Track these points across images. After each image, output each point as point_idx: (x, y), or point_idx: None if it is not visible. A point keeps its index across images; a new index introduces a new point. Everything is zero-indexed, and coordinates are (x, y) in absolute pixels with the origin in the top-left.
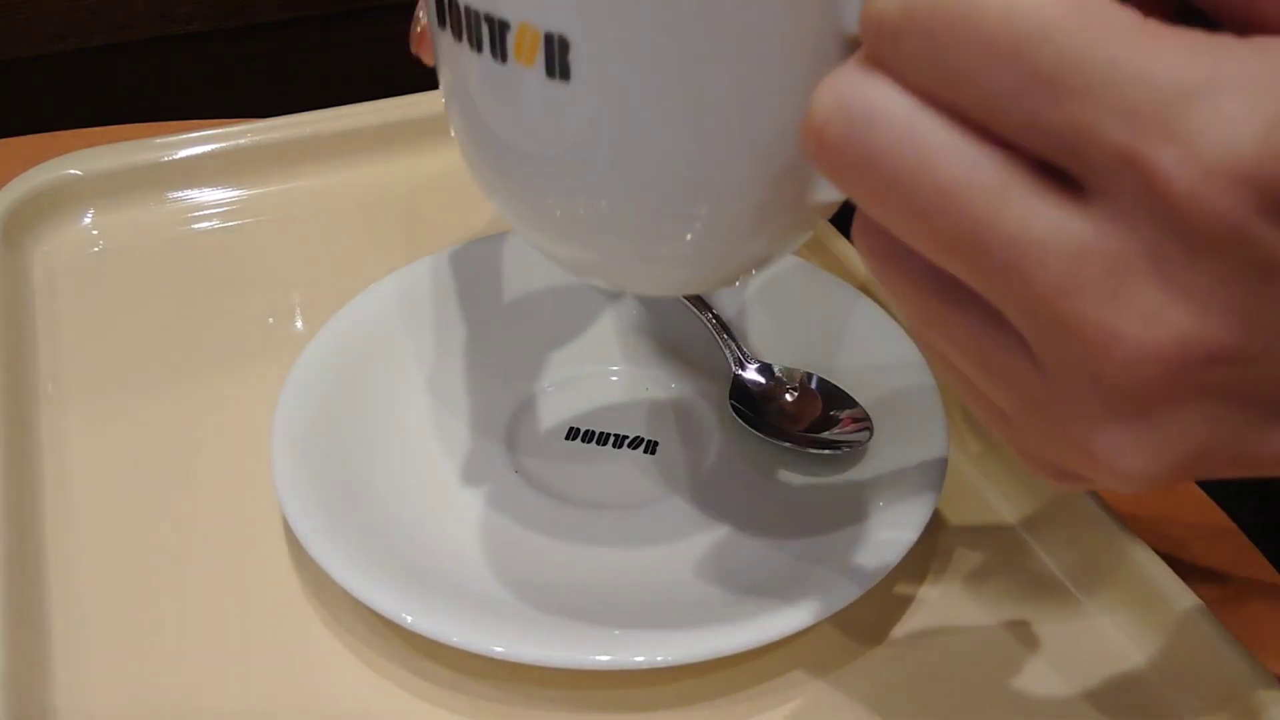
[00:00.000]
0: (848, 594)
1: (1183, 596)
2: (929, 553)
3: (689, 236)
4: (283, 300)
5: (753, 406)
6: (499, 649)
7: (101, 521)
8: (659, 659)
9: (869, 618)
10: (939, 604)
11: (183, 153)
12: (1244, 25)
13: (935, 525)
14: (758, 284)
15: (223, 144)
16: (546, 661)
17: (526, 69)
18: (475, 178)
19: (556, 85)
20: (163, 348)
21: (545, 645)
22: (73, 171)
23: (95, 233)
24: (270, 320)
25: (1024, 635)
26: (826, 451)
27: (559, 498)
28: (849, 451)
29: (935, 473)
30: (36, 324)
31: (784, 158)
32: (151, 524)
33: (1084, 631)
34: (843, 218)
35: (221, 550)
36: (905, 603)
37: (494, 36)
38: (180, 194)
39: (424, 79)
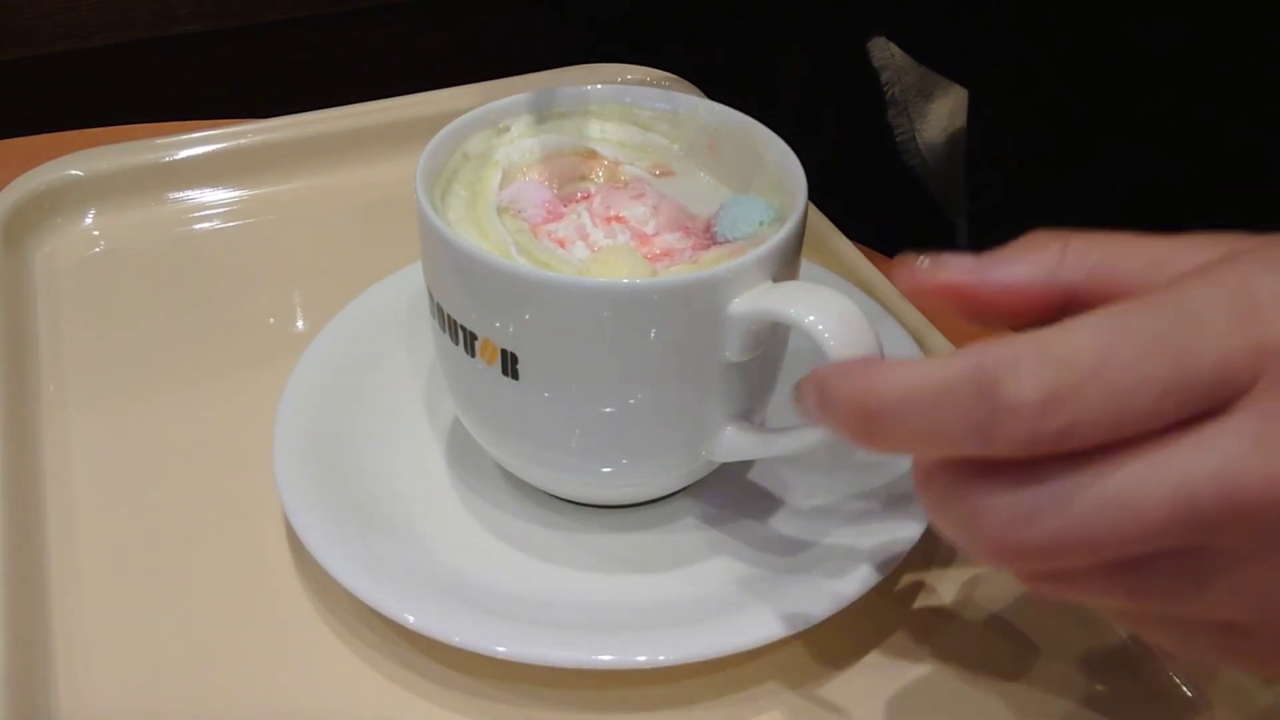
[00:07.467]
0: (849, 593)
1: None
2: (930, 551)
3: (602, 480)
4: (283, 300)
5: None
6: (501, 649)
7: (103, 522)
8: (661, 658)
9: (871, 617)
10: (940, 603)
11: (183, 153)
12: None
13: None
14: None
15: (223, 144)
16: (548, 661)
17: (489, 367)
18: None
19: (509, 381)
20: (164, 348)
21: (547, 645)
22: (73, 172)
23: (96, 233)
24: (271, 320)
25: (1026, 633)
26: None
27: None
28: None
29: None
30: (38, 325)
31: (680, 447)
32: (153, 524)
33: (1084, 630)
34: (840, 213)
35: (223, 550)
36: (907, 602)
37: (466, 339)
38: (181, 194)
39: (424, 79)
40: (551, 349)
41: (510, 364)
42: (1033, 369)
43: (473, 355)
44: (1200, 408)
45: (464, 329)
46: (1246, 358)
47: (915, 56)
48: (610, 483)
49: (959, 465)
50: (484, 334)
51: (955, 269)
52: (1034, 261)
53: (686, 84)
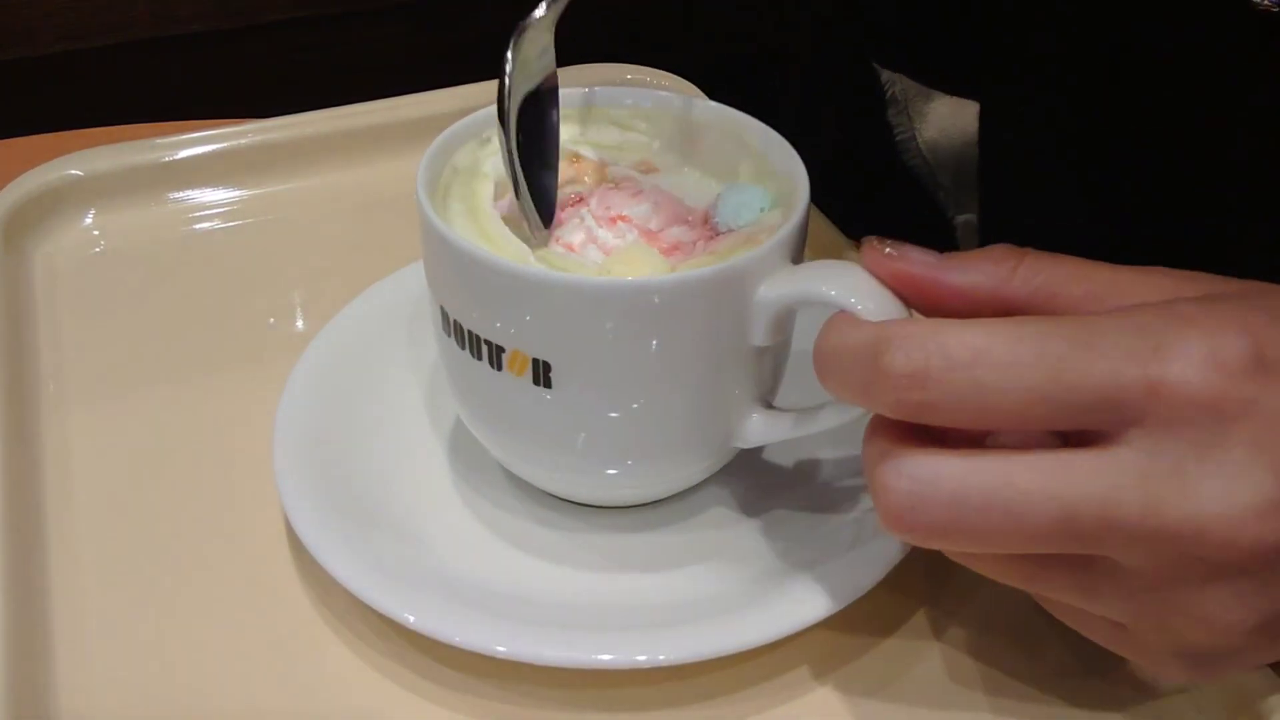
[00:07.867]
0: (849, 592)
1: None
2: (931, 551)
3: (631, 485)
4: (283, 300)
5: None
6: (501, 649)
7: (103, 522)
8: (660, 658)
9: (871, 616)
10: (941, 602)
11: (183, 153)
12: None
13: None
14: None
15: (223, 144)
16: (549, 661)
17: (517, 378)
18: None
19: (541, 391)
20: (164, 348)
21: (547, 645)
22: (73, 172)
23: (96, 233)
24: (271, 320)
25: (1026, 634)
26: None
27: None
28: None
29: None
30: (38, 325)
31: (712, 436)
32: (153, 524)
33: None
34: (840, 213)
35: (223, 550)
36: (908, 601)
37: (491, 353)
38: (181, 194)
39: (423, 79)
40: (586, 352)
41: (543, 373)
42: (911, 348)
43: (499, 369)
44: (1078, 423)
45: (489, 343)
46: (1137, 391)
47: (919, 79)
48: (638, 481)
49: (886, 437)
50: (512, 346)
51: (914, 261)
52: (986, 272)
53: (686, 84)
